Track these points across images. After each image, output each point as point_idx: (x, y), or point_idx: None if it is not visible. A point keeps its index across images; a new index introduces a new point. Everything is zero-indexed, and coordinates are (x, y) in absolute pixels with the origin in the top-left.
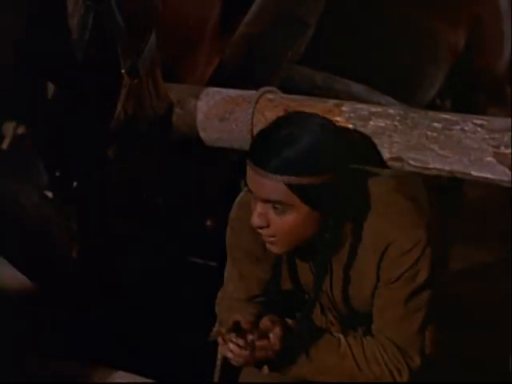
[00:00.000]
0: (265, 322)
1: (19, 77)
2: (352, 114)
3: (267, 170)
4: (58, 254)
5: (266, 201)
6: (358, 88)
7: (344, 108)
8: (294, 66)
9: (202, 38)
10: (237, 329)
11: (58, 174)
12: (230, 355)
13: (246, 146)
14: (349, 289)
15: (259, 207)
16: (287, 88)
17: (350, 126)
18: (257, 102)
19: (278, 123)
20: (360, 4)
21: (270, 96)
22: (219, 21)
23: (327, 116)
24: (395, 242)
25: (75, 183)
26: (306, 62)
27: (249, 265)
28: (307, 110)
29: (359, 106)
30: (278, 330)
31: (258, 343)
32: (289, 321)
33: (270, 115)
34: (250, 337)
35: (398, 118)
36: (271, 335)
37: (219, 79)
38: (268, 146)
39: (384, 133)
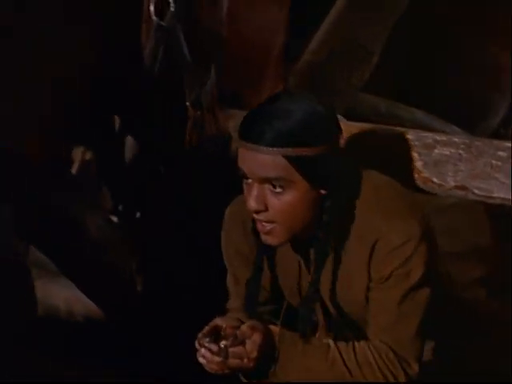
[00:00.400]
0: (244, 328)
1: (90, 105)
2: (417, 142)
3: (263, 144)
4: (120, 279)
5: (263, 180)
6: (422, 116)
7: (409, 136)
8: (357, 93)
9: (267, 65)
10: (216, 334)
11: (120, 207)
12: (202, 361)
13: None
14: (337, 288)
15: (255, 190)
16: (351, 115)
17: (415, 154)
18: None
19: (268, 101)
20: (424, 32)
21: None
22: (283, 48)
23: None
24: (385, 236)
25: (138, 214)
26: (370, 90)
27: (242, 268)
28: (371, 137)
29: (424, 134)
30: (256, 336)
31: (231, 350)
32: (274, 328)
33: None
34: (223, 342)
35: (462, 146)
36: (248, 342)
37: None
38: (262, 121)
39: (449, 161)
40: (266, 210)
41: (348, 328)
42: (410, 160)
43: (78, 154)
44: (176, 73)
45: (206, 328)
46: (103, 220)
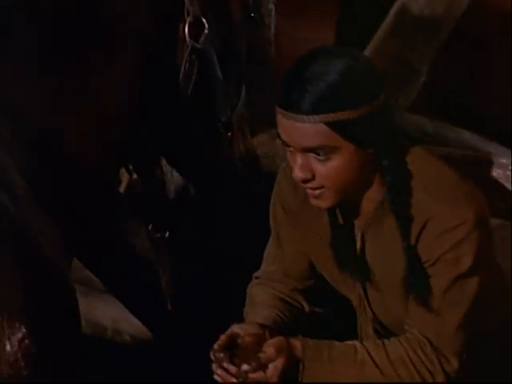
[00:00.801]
0: (268, 348)
1: (133, 127)
2: (464, 163)
3: (302, 113)
4: (162, 298)
5: (306, 149)
6: (469, 136)
7: (456, 156)
8: (404, 113)
9: None
10: (232, 344)
11: (150, 227)
12: (217, 378)
13: None
14: (380, 266)
15: (300, 159)
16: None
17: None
18: None
19: (302, 61)
20: (473, 54)
21: None
22: None
23: None
24: (436, 217)
25: (167, 234)
26: (417, 110)
27: (287, 228)
28: None
29: (471, 154)
30: (279, 362)
31: (252, 376)
32: (297, 342)
33: None
34: (244, 367)
35: (510, 167)
36: (271, 366)
37: None
38: (298, 86)
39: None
40: (313, 178)
41: (388, 325)
42: None
43: (125, 175)
44: (208, 95)
45: (222, 338)
46: (147, 239)
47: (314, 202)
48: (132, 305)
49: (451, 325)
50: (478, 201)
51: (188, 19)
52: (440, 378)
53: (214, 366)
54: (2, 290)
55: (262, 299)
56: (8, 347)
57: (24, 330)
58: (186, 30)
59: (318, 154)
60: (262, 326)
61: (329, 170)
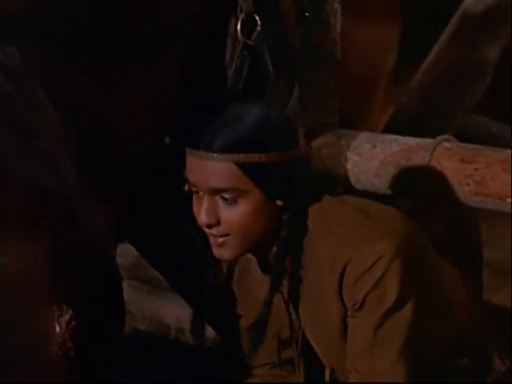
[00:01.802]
0: None
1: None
2: None
3: (213, 151)
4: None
5: (214, 191)
6: None
7: None
8: (469, 114)
9: (378, 85)
10: None
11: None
12: None
13: None
14: (314, 319)
15: (206, 202)
16: (462, 136)
17: None
18: (434, 151)
19: (219, 107)
20: None
21: (447, 144)
22: (394, 69)
23: (502, 165)
24: (353, 259)
25: None
26: (482, 111)
27: None
28: (483, 159)
29: None
30: None
31: None
32: None
33: (447, 164)
34: None
35: None
36: None
37: (395, 126)
38: (212, 128)
39: None
40: (218, 223)
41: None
42: None
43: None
44: (259, 91)
45: None
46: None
47: (216, 252)
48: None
49: (386, 360)
50: (393, 232)
51: (241, 16)
52: None
53: None
54: (50, 273)
55: None
56: (57, 328)
57: (71, 312)
58: (239, 26)
59: (226, 199)
60: None
61: (235, 215)
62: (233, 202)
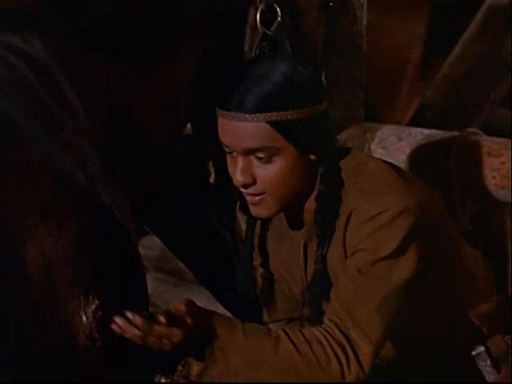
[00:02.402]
0: (178, 303)
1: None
2: None
3: (244, 112)
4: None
5: (248, 151)
6: None
7: None
8: (495, 108)
9: (404, 79)
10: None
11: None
12: (115, 329)
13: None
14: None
15: (241, 162)
16: (488, 130)
17: None
18: (460, 144)
19: (247, 65)
20: None
21: (473, 138)
22: (420, 62)
23: None
24: (359, 207)
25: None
26: (508, 104)
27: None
28: (509, 153)
29: None
30: (188, 324)
31: (157, 329)
32: (210, 313)
33: (473, 158)
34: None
35: None
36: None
37: (421, 120)
38: (241, 87)
39: None
40: (254, 182)
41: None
42: None
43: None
44: None
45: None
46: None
47: (253, 210)
48: (221, 295)
49: (365, 309)
50: (407, 191)
51: (260, 6)
52: (353, 364)
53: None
54: (77, 263)
55: None
56: (84, 318)
57: (97, 302)
58: (258, 17)
59: (261, 158)
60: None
61: (270, 173)
62: (268, 160)
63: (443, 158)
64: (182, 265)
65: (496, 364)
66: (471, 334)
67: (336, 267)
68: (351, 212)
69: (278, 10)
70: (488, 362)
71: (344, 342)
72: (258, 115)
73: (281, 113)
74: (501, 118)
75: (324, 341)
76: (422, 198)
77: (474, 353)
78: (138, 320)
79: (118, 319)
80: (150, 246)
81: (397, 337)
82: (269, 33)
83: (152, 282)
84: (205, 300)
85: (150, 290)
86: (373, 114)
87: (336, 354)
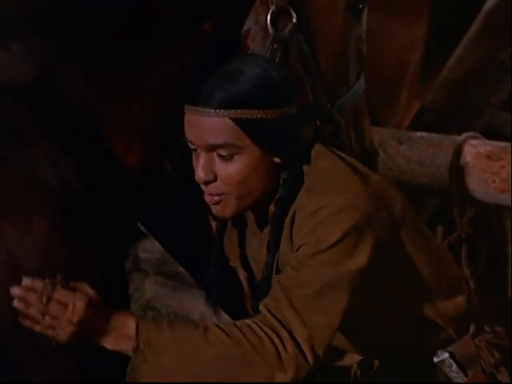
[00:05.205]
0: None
1: None
2: None
3: (211, 107)
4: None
5: (210, 147)
6: None
7: None
8: (495, 111)
9: (404, 82)
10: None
11: None
12: (16, 305)
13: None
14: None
15: (203, 159)
16: (489, 134)
17: None
18: (460, 148)
19: (220, 65)
20: None
21: (474, 142)
22: (420, 65)
23: None
24: (301, 205)
25: None
26: (508, 108)
27: None
28: (509, 157)
29: None
30: (81, 302)
31: (56, 296)
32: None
33: (473, 161)
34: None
35: None
36: (71, 305)
37: (421, 123)
38: (211, 84)
39: None
40: (215, 180)
41: None
42: None
43: None
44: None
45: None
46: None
47: (214, 209)
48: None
49: (297, 304)
50: (352, 188)
51: (271, 8)
52: (289, 341)
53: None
54: (46, 261)
55: None
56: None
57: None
58: (269, 18)
59: (222, 156)
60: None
61: (231, 171)
62: (229, 158)
63: (443, 161)
64: (181, 268)
65: (463, 368)
66: (437, 334)
67: (286, 267)
68: (295, 211)
69: (293, 12)
70: (454, 368)
71: (274, 322)
72: (222, 111)
73: (246, 111)
74: (501, 122)
75: (253, 324)
76: (370, 194)
77: (436, 359)
78: (37, 284)
79: (15, 289)
80: (150, 249)
81: (356, 334)
82: (280, 34)
83: (152, 286)
84: (204, 304)
85: (149, 294)
86: (373, 117)
87: (267, 334)
